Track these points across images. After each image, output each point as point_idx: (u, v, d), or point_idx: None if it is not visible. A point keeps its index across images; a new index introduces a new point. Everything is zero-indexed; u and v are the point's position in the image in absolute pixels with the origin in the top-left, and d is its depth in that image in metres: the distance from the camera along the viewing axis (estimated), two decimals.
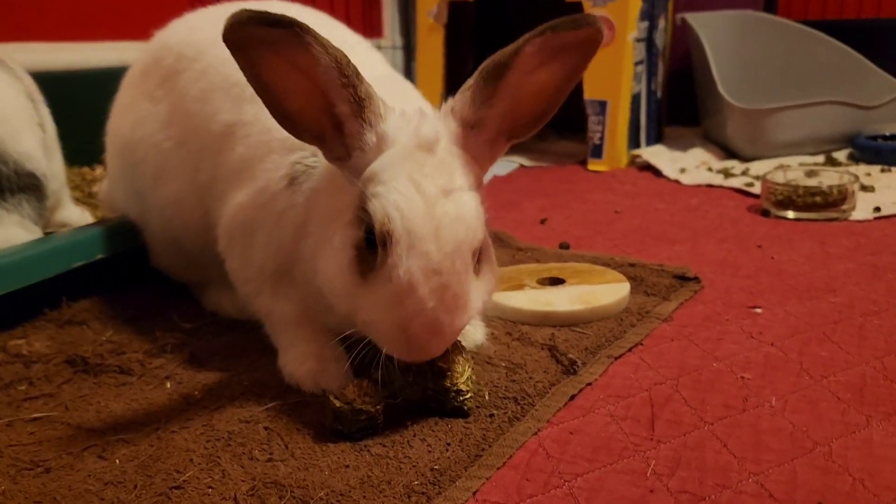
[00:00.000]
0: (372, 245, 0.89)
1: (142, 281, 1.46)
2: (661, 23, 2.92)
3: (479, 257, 0.94)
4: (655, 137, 2.98)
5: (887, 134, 2.70)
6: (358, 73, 0.89)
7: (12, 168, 1.34)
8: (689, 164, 2.57)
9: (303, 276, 1.05)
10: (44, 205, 1.43)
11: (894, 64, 2.95)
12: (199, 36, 1.23)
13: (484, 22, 3.07)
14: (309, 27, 0.84)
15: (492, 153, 0.99)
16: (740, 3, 3.26)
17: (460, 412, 0.98)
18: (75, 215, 1.62)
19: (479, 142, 0.96)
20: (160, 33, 1.33)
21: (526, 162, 2.78)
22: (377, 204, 0.87)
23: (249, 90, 1.13)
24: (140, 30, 1.42)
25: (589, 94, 2.60)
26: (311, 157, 1.04)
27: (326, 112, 0.92)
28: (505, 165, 2.72)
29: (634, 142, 2.78)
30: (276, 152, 1.07)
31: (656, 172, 2.54)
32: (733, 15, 3.13)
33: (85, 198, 2.01)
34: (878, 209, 1.95)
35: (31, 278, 1.21)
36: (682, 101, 3.19)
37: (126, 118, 1.31)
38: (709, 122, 2.96)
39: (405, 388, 0.98)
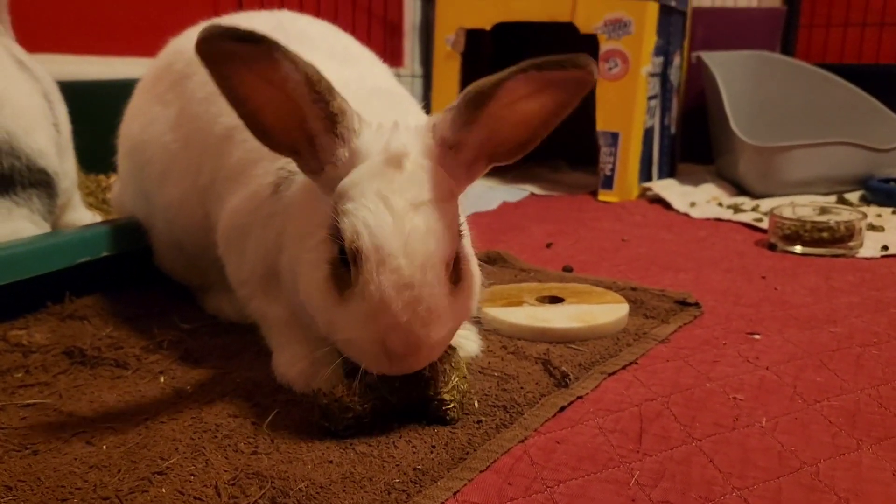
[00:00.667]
0: (346, 262, 0.90)
1: (145, 281, 1.48)
2: (677, 59, 2.95)
3: (457, 268, 0.94)
4: (668, 172, 2.99)
5: None
6: (330, 89, 0.89)
7: (24, 163, 1.37)
8: (699, 199, 2.57)
9: (286, 284, 1.07)
10: (54, 202, 1.45)
11: None
12: None
13: (500, 50, 3.11)
14: (279, 44, 0.84)
15: (469, 174, 0.98)
16: (756, 43, 3.29)
17: (443, 421, 0.97)
18: (86, 217, 1.65)
19: (456, 162, 0.96)
20: (175, 40, 1.37)
21: (537, 190, 2.80)
22: (346, 221, 0.88)
23: None
24: (163, 46, 1.47)
25: (601, 126, 2.62)
26: (294, 163, 1.06)
27: (300, 126, 0.92)
28: (515, 193, 2.74)
29: (646, 175, 2.79)
30: (266, 159, 1.09)
31: (666, 205, 2.54)
32: (748, 55, 3.15)
33: (99, 204, 2.05)
34: (885, 248, 1.94)
35: (36, 270, 1.23)
36: (696, 138, 3.21)
37: (137, 120, 1.34)
38: (721, 160, 2.97)
39: (391, 393, 0.99)
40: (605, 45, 2.56)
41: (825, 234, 1.91)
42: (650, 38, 2.56)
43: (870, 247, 1.95)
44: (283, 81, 0.87)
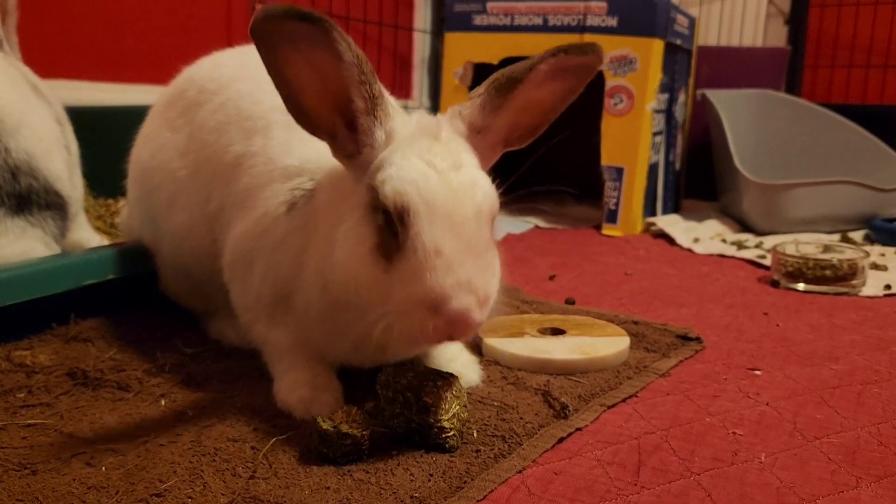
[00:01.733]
0: (392, 228, 0.89)
1: (150, 305, 1.49)
2: (682, 97, 2.99)
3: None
4: (672, 208, 3.01)
5: None
6: (373, 72, 0.93)
7: (42, 184, 1.40)
8: (703, 235, 2.58)
9: (304, 301, 1.07)
10: (66, 225, 1.48)
11: None
12: (221, 72, 1.29)
13: None
14: (334, 24, 0.88)
15: (490, 158, 1.04)
16: (761, 82, 3.32)
17: (441, 448, 0.98)
18: (92, 239, 1.66)
19: (482, 146, 1.01)
20: (188, 68, 1.40)
21: (542, 223, 2.81)
22: (389, 185, 0.89)
23: (260, 122, 1.19)
24: (175, 74, 1.50)
25: (606, 161, 2.64)
26: (308, 181, 1.08)
27: (340, 110, 0.95)
28: (520, 225, 2.76)
29: (650, 210, 2.81)
30: (276, 181, 1.11)
31: (670, 240, 2.55)
32: (753, 93, 3.19)
33: (107, 228, 2.07)
34: (888, 286, 1.94)
35: (41, 291, 1.25)
36: (700, 175, 3.22)
37: (147, 146, 1.36)
38: (726, 197, 2.98)
39: (392, 418, 0.99)
40: (610, 82, 2.60)
41: (828, 272, 1.92)
42: (655, 76, 2.60)
43: (873, 285, 1.95)
44: (332, 62, 0.90)
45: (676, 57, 2.81)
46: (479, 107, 0.99)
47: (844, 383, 1.27)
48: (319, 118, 0.96)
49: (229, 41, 3.19)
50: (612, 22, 2.55)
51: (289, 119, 1.15)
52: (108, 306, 1.43)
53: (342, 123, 0.96)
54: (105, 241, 1.84)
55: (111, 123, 2.17)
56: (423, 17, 4.08)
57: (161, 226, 1.34)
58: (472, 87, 2.84)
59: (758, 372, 1.32)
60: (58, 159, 1.46)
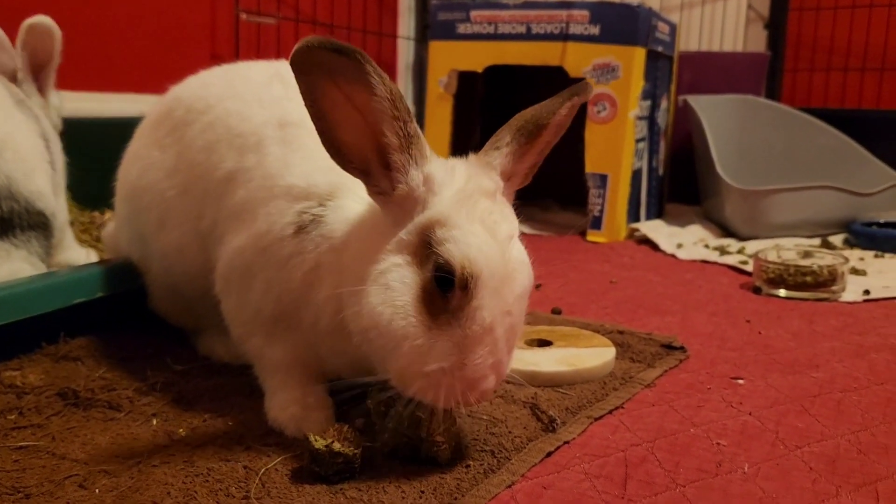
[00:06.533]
0: (444, 286, 0.90)
1: (139, 322, 1.50)
2: (664, 103, 3.02)
3: None
4: (656, 213, 3.04)
5: (882, 221, 2.76)
6: (409, 110, 0.93)
7: (23, 206, 1.40)
8: (686, 240, 2.61)
9: (312, 318, 1.07)
10: (51, 242, 1.48)
11: (890, 153, 3.03)
12: (209, 91, 1.30)
13: (491, 92, 3.18)
14: (368, 57, 0.89)
15: (511, 201, 1.05)
16: (742, 87, 3.37)
17: (434, 462, 0.99)
18: (80, 257, 1.67)
19: (509, 192, 1.03)
20: (175, 87, 1.40)
21: (527, 230, 2.83)
22: (454, 248, 0.90)
23: (251, 139, 1.20)
24: (159, 84, 1.50)
25: (590, 168, 2.67)
26: (318, 206, 1.08)
27: (374, 146, 0.95)
28: None
29: (634, 216, 2.84)
30: (279, 198, 1.11)
31: (654, 246, 2.58)
32: (734, 99, 3.23)
33: (93, 241, 2.07)
34: (867, 292, 1.97)
35: (31, 310, 1.25)
36: (683, 179, 3.27)
37: (135, 165, 1.36)
38: (708, 202, 3.02)
39: (383, 433, 1.00)
40: (593, 89, 2.62)
41: (808, 279, 1.95)
42: (638, 83, 2.63)
43: (852, 290, 1.98)
44: (368, 95, 0.90)
45: (658, 64, 2.85)
46: (509, 155, 1.00)
47: (825, 391, 1.30)
48: (353, 153, 0.95)
49: (213, 50, 3.20)
50: (595, 30, 2.58)
51: (282, 134, 1.17)
52: (98, 324, 1.44)
53: (376, 160, 0.96)
54: (93, 256, 1.85)
55: (96, 134, 2.17)
56: (406, 24, 4.10)
57: (151, 245, 1.34)
58: (456, 96, 2.86)
59: (740, 381, 1.34)
60: (40, 177, 1.46)
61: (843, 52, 4.42)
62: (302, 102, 0.92)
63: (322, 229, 1.07)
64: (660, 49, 2.81)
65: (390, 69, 4.12)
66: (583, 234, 2.75)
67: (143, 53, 2.88)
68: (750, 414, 1.20)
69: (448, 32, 2.80)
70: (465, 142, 3.01)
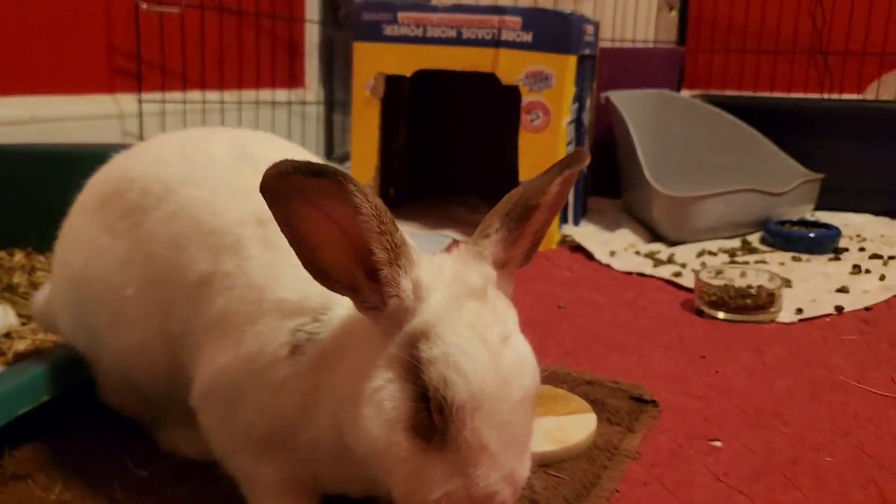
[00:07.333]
0: (428, 406, 0.84)
1: (88, 417, 1.36)
2: (588, 101, 3.02)
3: None
4: (581, 211, 3.06)
5: (794, 219, 2.90)
6: (393, 220, 0.86)
7: None
8: (617, 247, 2.65)
9: (312, 441, 0.99)
10: None
11: (794, 145, 3.17)
12: (167, 172, 1.16)
13: (418, 96, 3.08)
14: (350, 176, 0.81)
15: (510, 287, 0.98)
16: (658, 81, 3.42)
17: None
18: None
19: (504, 281, 0.95)
20: (119, 160, 1.25)
21: (459, 236, 2.79)
22: (434, 370, 0.83)
23: (227, 238, 1.09)
24: (48, 84, 1.32)
25: (524, 176, 2.64)
26: (312, 322, 0.99)
27: (360, 261, 0.87)
28: (438, 240, 2.73)
29: (563, 217, 2.85)
30: (269, 315, 1.01)
31: (588, 255, 2.60)
32: (650, 94, 3.28)
33: (2, 290, 1.86)
34: (800, 310, 2.07)
35: None
36: (603, 171, 3.29)
37: (80, 250, 1.21)
38: (630, 196, 3.08)
39: None
40: (526, 97, 2.58)
41: (748, 301, 2.02)
42: (570, 91, 2.61)
43: (787, 308, 2.07)
44: (353, 215, 0.83)
45: (585, 66, 2.84)
46: (499, 242, 0.93)
47: (799, 453, 1.35)
48: (339, 273, 0.87)
49: (110, 42, 2.92)
50: (527, 38, 2.52)
51: (263, 233, 1.07)
52: (43, 429, 1.29)
53: (363, 276, 0.88)
54: (11, 315, 1.67)
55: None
56: (312, 6, 3.93)
57: (103, 340, 1.20)
58: (384, 100, 2.75)
59: (717, 443, 1.38)
60: None
61: (741, 31, 4.57)
62: None
63: (318, 347, 0.99)
64: (587, 52, 2.79)
65: (298, 52, 3.93)
66: None
67: (26, 49, 2.59)
68: (741, 493, 1.22)
69: (374, 34, 2.66)
70: (390, 146, 2.92)
